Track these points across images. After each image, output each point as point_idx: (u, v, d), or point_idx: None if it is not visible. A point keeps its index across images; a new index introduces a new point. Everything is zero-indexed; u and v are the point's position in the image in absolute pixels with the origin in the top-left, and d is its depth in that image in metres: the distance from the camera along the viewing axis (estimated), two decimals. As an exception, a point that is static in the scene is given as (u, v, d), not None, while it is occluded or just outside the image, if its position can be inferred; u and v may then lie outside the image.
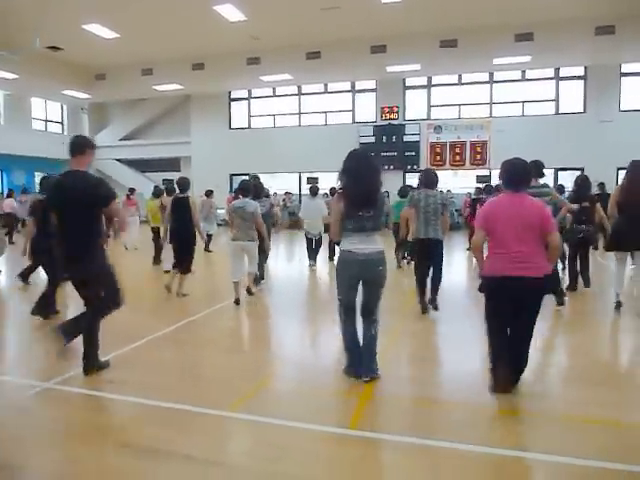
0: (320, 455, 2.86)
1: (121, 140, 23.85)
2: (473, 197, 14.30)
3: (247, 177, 10.42)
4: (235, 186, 15.01)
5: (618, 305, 6.01)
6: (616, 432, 3.09)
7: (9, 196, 15.82)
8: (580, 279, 7.30)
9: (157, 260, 9.98)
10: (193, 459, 2.78)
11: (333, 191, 9.17)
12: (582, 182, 7.19)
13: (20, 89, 19.65)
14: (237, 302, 6.53)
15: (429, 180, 5.99)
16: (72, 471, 2.73)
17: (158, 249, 9.98)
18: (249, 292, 6.98)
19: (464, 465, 2.74)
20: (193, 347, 5.00)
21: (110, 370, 4.11)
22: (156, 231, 10.14)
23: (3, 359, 4.76)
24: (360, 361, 3.81)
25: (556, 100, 18.43)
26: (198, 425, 3.21)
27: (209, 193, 13.21)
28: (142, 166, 23.55)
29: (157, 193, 10.33)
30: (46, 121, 22.84)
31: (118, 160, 23.68)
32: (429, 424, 3.23)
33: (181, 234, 6.97)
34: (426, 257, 5.99)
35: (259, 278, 7.60)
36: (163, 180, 19.05)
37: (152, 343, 4.95)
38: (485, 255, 3.65)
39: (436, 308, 5.99)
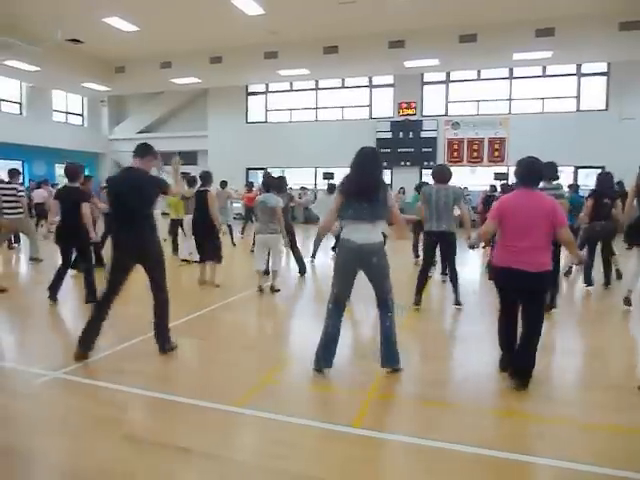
0: (323, 453, 2.86)
1: (139, 133, 24.06)
2: (487, 194, 14.19)
3: (266, 172, 10.83)
4: (251, 180, 15.09)
5: (627, 302, 5.96)
6: (622, 438, 3.04)
7: (39, 187, 16.02)
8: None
9: (175, 250, 10.37)
10: (193, 453, 2.80)
11: (332, 187, 9.38)
12: (603, 178, 7.11)
13: (41, 81, 19.91)
14: (260, 290, 6.93)
15: (441, 175, 6.03)
16: (74, 461, 2.78)
17: (175, 239, 10.50)
18: (272, 289, 7.06)
19: (468, 468, 2.71)
20: (203, 340, 5.04)
21: (119, 360, 4.18)
22: (177, 223, 10.39)
23: (16, 347, 4.86)
24: (328, 357, 3.91)
25: (577, 97, 18.09)
26: (202, 419, 3.23)
27: (224, 184, 13.28)
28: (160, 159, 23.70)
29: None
30: (67, 113, 23.14)
31: (136, 152, 23.90)
32: (434, 425, 3.20)
33: (202, 226, 7.26)
34: (434, 250, 6.13)
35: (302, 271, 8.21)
36: (180, 174, 19.17)
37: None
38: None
39: (458, 303, 6.04)
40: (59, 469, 2.74)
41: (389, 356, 3.89)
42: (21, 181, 10.73)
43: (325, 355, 3.88)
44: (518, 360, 3.73)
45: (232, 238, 12.17)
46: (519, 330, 3.78)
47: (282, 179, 7.97)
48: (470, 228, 6.10)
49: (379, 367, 4.06)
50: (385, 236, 6.28)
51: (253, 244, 10.33)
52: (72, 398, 3.48)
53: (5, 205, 7.98)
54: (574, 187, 10.21)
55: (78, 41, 17.16)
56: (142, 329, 5.00)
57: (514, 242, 3.63)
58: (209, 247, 7.33)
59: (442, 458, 2.80)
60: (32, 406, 3.37)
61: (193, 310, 5.95)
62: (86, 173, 8.48)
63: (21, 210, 8.36)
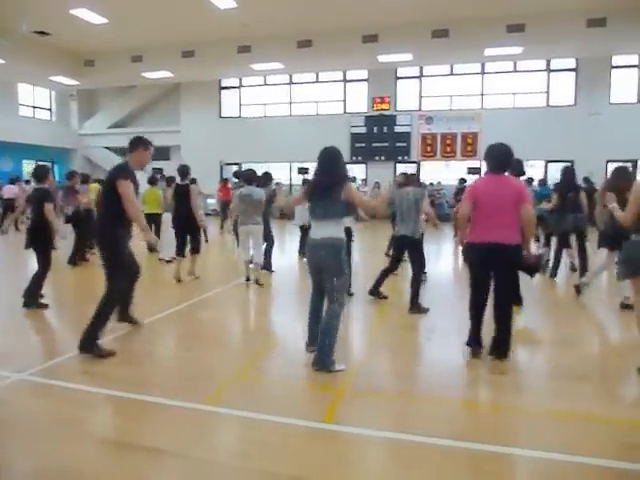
0: (296, 450, 2.84)
1: (110, 128, 23.59)
2: (458, 187, 14.54)
3: (238, 167, 10.80)
4: (226, 175, 14.90)
5: (578, 290, 6.37)
6: (594, 426, 3.11)
7: (12, 183, 15.51)
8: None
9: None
10: (163, 453, 2.75)
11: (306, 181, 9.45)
12: (565, 172, 7.52)
13: (7, 74, 19.30)
14: (247, 279, 7.24)
15: (403, 181, 6.48)
16: (40, 463, 2.70)
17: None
18: (257, 282, 7.20)
19: (442, 460, 2.73)
20: (174, 337, 4.98)
21: (86, 361, 4.08)
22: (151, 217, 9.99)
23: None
24: (309, 336, 4.22)
25: (547, 92, 18.44)
26: (172, 418, 3.18)
27: (192, 181, 13.10)
28: (131, 154, 23.26)
29: (152, 181, 10.48)
30: (34, 107, 22.52)
31: (107, 148, 23.46)
32: (405, 418, 3.22)
33: (184, 219, 7.34)
34: (399, 253, 6.22)
35: (269, 267, 8.19)
36: (153, 169, 18.88)
37: (132, 333, 4.91)
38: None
39: (413, 309, 5.76)
40: (22, 471, 2.67)
41: (318, 355, 3.88)
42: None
43: (308, 333, 4.25)
44: (497, 331, 4.12)
45: (206, 235, 12.00)
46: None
47: (267, 175, 8.37)
48: (435, 220, 6.61)
49: (351, 362, 4.08)
50: (351, 234, 6.34)
51: (237, 237, 10.44)
52: (37, 400, 3.39)
53: None
54: (543, 181, 10.70)
55: (45, 33, 16.70)
56: (113, 328, 4.91)
57: (486, 219, 4.04)
58: (192, 241, 7.46)
59: (416, 451, 2.81)
60: (-5, 409, 3.27)
61: (168, 306, 5.87)
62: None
63: None
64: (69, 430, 3.01)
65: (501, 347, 4.09)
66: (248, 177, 7.16)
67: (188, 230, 7.41)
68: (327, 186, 3.91)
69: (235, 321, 5.90)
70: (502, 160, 4.14)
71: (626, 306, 5.63)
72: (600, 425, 3.10)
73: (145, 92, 22.88)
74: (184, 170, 7.61)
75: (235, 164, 20.34)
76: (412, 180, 6.27)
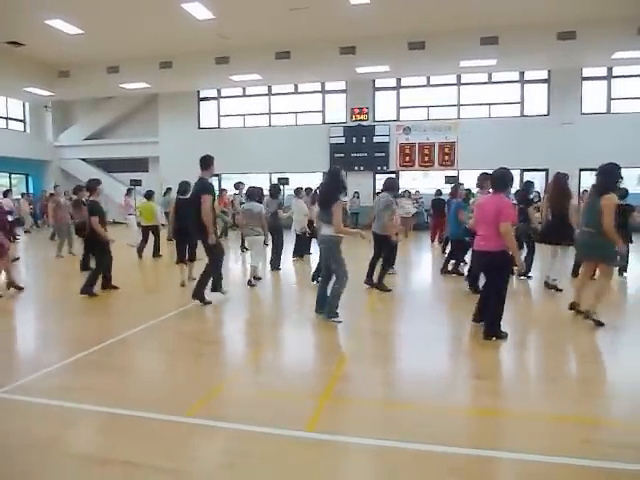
0: (276, 460, 2.82)
1: (86, 139, 23.27)
2: (434, 198, 14.72)
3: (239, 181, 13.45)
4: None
5: (547, 285, 7.44)
6: (574, 427, 3.15)
7: (5, 195, 15.97)
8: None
9: (157, 253, 11.49)
10: (141, 467, 2.71)
11: (298, 190, 10.75)
12: (522, 187, 8.76)
13: (-21, 86, 18.95)
14: (249, 283, 7.95)
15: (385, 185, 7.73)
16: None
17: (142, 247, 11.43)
18: (249, 284, 7.97)
19: (423, 466, 2.74)
20: (153, 350, 4.90)
21: (63, 376, 4.00)
22: (151, 229, 11.47)
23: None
24: (318, 304, 5.93)
25: (521, 103, 18.82)
26: (150, 431, 3.13)
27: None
28: (109, 166, 22.99)
29: (149, 195, 11.71)
30: (7, 119, 22.11)
31: (83, 160, 23.13)
32: (388, 425, 3.22)
33: (185, 230, 7.80)
34: (377, 247, 7.59)
35: (277, 268, 9.43)
36: (131, 180, 18.66)
37: (112, 346, 4.83)
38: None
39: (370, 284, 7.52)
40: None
41: (326, 307, 5.68)
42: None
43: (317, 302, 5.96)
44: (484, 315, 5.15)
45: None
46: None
47: (276, 187, 10.00)
48: (390, 226, 7.39)
49: (332, 370, 4.08)
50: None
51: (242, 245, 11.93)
52: (12, 419, 3.29)
53: None
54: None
55: (19, 44, 16.46)
56: (91, 341, 4.83)
57: (479, 230, 5.03)
58: (190, 249, 8.13)
59: (399, 458, 2.81)
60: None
61: (143, 320, 5.77)
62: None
63: None
64: (46, 449, 2.93)
65: (487, 329, 4.98)
66: (250, 194, 8.11)
67: (188, 240, 8.02)
68: (324, 200, 5.63)
69: (214, 332, 5.84)
70: (494, 182, 5.06)
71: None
72: (576, 425, 3.15)
73: (123, 103, 22.66)
74: (185, 186, 8.28)
75: (214, 175, 20.23)
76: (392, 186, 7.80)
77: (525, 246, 8.28)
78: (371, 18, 14.39)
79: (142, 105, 22.76)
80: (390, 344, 5.15)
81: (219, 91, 21.66)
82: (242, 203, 11.51)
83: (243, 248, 11.95)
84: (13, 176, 22.41)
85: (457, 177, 18.65)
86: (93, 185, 7.49)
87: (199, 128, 22.05)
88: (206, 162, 6.67)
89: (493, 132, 18.21)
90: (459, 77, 19.18)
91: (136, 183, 18.06)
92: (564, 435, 3.04)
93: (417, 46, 15.93)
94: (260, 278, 8.39)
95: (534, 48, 15.42)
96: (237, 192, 12.00)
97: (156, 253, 11.51)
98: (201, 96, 21.97)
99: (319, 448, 2.93)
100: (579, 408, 3.44)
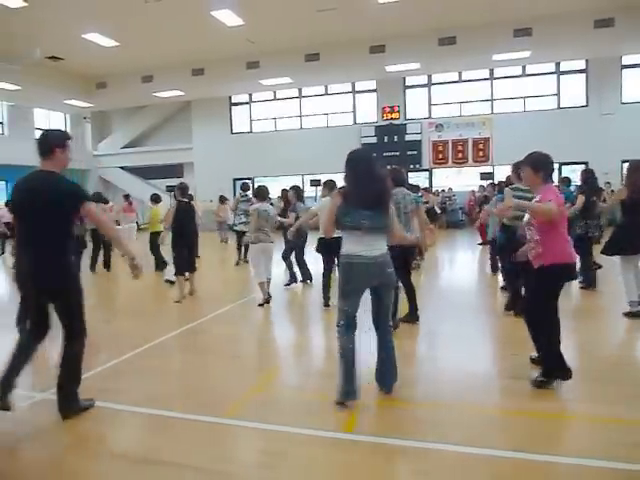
0: (316, 460, 2.83)
1: (124, 148, 23.98)
2: (483, 194, 14.25)
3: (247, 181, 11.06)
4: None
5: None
6: (621, 430, 3.04)
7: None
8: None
9: (162, 265, 9.91)
10: (183, 467, 2.76)
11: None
12: (589, 175, 7.07)
13: (23, 100, 19.77)
14: (267, 301, 6.76)
15: (397, 178, 5.43)
16: (65, 482, 2.73)
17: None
18: (268, 302, 6.92)
19: (464, 469, 2.70)
20: (191, 353, 4.99)
21: (106, 378, 4.13)
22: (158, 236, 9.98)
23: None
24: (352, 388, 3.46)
25: (557, 94, 18.33)
26: (191, 432, 3.18)
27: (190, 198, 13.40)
28: (145, 173, 23.63)
29: (156, 200, 10.40)
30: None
31: (121, 168, 23.82)
32: (426, 426, 3.18)
33: (187, 237, 7.32)
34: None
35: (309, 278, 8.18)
36: (166, 186, 19.12)
37: (151, 350, 4.95)
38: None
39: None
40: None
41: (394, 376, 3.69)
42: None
43: (349, 386, 3.43)
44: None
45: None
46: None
47: (298, 189, 8.45)
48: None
49: (371, 371, 4.05)
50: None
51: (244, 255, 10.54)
52: (59, 419, 3.41)
53: None
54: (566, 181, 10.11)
55: (58, 58, 17.10)
56: (130, 345, 4.96)
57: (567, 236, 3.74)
58: (191, 257, 7.45)
59: (438, 460, 2.78)
60: (20, 428, 3.30)
61: (181, 324, 5.90)
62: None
63: None
64: (91, 447, 3.03)
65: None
66: (261, 193, 7.04)
67: (190, 247, 7.47)
68: (375, 194, 3.53)
69: (248, 336, 5.89)
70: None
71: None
72: (627, 428, 3.03)
73: (157, 111, 23.25)
74: (183, 187, 7.59)
75: (247, 179, 20.50)
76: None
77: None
78: (400, 15, 14.28)
79: (176, 112, 23.29)
80: (432, 344, 5.09)
81: (250, 96, 21.94)
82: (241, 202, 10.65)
83: (243, 259, 10.78)
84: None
85: (492, 173, 18.33)
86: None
87: (232, 133, 22.39)
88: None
89: (529, 126, 17.77)
90: (492, 71, 18.82)
91: (172, 189, 18.47)
92: (611, 438, 2.93)
93: (448, 41, 15.71)
94: (271, 297, 6.93)
95: (570, 38, 14.99)
96: (244, 194, 10.83)
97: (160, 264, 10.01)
98: (233, 101, 22.31)
99: (357, 449, 2.92)
100: (630, 411, 3.30)
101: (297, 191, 8.44)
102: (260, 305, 6.72)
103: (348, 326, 3.47)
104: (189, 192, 7.91)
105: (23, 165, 21.72)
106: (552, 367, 3.65)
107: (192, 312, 6.68)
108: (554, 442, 2.96)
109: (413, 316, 5.56)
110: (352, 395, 3.40)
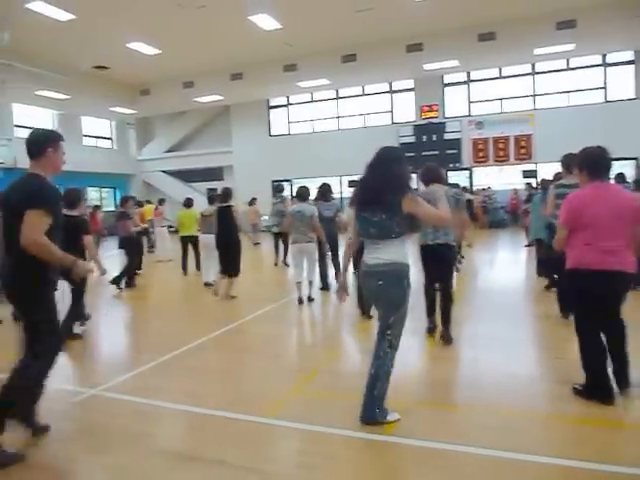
0: (355, 462, 2.84)
1: (166, 152, 24.64)
2: (531, 193, 13.81)
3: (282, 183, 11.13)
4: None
5: None
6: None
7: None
8: None
9: (185, 269, 10.30)
10: (226, 465, 2.82)
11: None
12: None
13: (72, 108, 20.60)
14: (300, 301, 6.92)
15: (433, 175, 5.19)
16: (114, 476, 2.84)
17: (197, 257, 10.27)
18: (309, 299, 7.09)
19: (504, 475, 2.65)
20: (232, 353, 5.09)
21: (150, 377, 4.27)
22: (186, 240, 10.20)
23: (57, 367, 4.99)
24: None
25: (604, 87, 17.65)
26: (234, 431, 3.25)
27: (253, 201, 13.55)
28: (186, 176, 24.20)
29: (188, 203, 10.45)
30: (96, 137, 23.87)
31: (164, 172, 24.49)
32: (466, 430, 3.14)
33: (227, 240, 7.44)
34: (431, 268, 5.01)
35: (326, 283, 7.89)
36: (207, 189, 19.52)
37: (192, 350, 5.08)
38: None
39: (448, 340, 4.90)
40: (98, 485, 2.82)
41: (366, 408, 3.16)
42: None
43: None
44: (615, 366, 3.39)
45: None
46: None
47: (326, 186, 7.91)
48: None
49: (411, 373, 4.03)
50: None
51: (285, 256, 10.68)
52: (110, 415, 3.55)
53: None
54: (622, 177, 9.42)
55: (104, 67, 17.78)
56: (173, 345, 5.11)
57: (597, 240, 3.24)
58: (233, 262, 7.48)
59: (478, 465, 2.74)
60: (67, 423, 3.46)
61: (221, 325, 6.02)
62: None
63: None
64: (137, 443, 3.14)
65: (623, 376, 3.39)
66: (301, 194, 7.09)
67: (229, 251, 7.47)
68: (380, 195, 3.17)
69: (288, 336, 5.95)
70: (604, 166, 3.44)
71: None
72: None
73: (198, 116, 23.79)
74: (227, 192, 7.73)
75: (286, 180, 20.70)
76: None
77: None
78: (437, 12, 14.11)
79: (216, 116, 23.76)
80: (469, 346, 5.01)
81: (288, 98, 22.13)
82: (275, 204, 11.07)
83: (283, 260, 10.95)
84: (103, 190, 24.12)
85: (535, 171, 17.85)
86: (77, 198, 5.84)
87: (270, 135, 22.65)
88: None
89: (573, 121, 17.16)
90: (533, 66, 18.30)
91: (212, 192, 18.84)
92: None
93: (487, 37, 15.40)
94: (313, 299, 7.15)
95: (616, 28, 14.40)
96: (279, 195, 11.10)
97: (199, 266, 10.15)
98: (271, 104, 22.56)
99: (396, 452, 2.91)
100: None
101: (322, 189, 7.96)
102: (300, 303, 6.89)
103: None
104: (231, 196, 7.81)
105: (72, 171, 22.68)
106: (590, 384, 3.38)
107: (232, 313, 6.82)
108: (602, 450, 2.86)
109: (443, 332, 4.94)
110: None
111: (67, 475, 2.85)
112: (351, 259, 3.53)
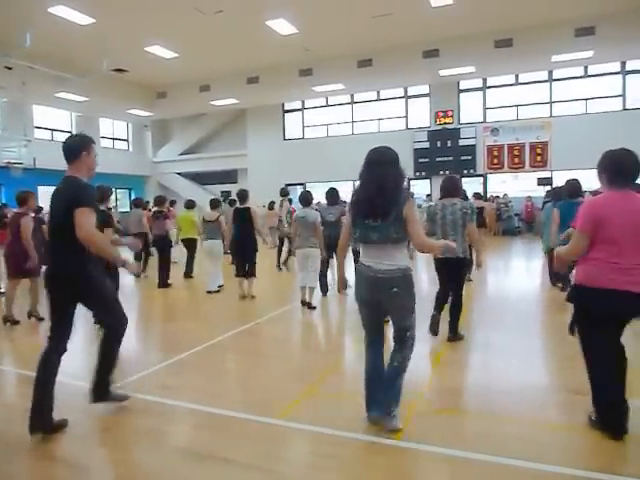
0: (364, 465, 2.85)
1: (181, 154, 24.87)
2: (546, 200, 13.71)
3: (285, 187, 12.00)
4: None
5: None
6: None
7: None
8: None
9: (188, 271, 10.00)
10: (236, 464, 2.85)
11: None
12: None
13: (90, 110, 20.91)
14: (303, 304, 6.97)
15: (449, 187, 5.21)
16: (125, 472, 2.89)
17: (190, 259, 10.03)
18: (309, 306, 6.94)
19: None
20: (245, 354, 5.13)
21: (164, 375, 4.32)
22: (188, 243, 9.84)
23: (71, 365, 5.07)
24: (370, 403, 3.24)
25: (623, 95, 17.46)
26: (244, 431, 3.28)
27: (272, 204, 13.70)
28: (201, 179, 24.41)
29: (189, 205, 9.99)
30: (113, 139, 24.18)
31: (179, 174, 24.71)
32: (478, 437, 3.12)
33: (244, 241, 7.59)
34: (446, 280, 5.22)
35: (325, 288, 7.72)
36: (221, 192, 19.69)
37: (207, 350, 5.13)
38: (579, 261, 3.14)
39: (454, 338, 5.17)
40: (106, 478, 2.88)
41: (387, 409, 3.13)
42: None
43: (367, 399, 3.28)
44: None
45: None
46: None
47: (334, 191, 7.64)
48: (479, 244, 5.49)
49: (422, 379, 4.02)
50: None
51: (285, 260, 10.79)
52: (121, 412, 3.60)
53: None
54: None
55: (123, 70, 18.04)
56: (188, 345, 5.16)
57: (621, 258, 2.88)
58: (250, 262, 7.64)
59: (491, 473, 2.73)
60: (84, 419, 3.51)
61: (236, 325, 6.07)
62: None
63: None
64: (150, 440, 3.19)
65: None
66: (304, 199, 7.00)
67: (246, 253, 7.60)
68: (381, 201, 3.09)
69: (302, 338, 5.98)
70: (629, 172, 2.99)
71: None
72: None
73: (213, 119, 23.99)
74: (244, 194, 7.84)
75: (299, 184, 20.77)
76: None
77: None
78: (454, 19, 14.10)
79: (231, 120, 23.94)
80: (481, 354, 4.99)
81: (303, 102, 22.23)
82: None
83: (282, 263, 11.06)
84: (118, 191, 24.43)
85: (550, 178, 17.70)
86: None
87: (284, 139, 22.75)
88: None
89: (591, 129, 16.98)
90: (551, 73, 18.18)
91: (226, 194, 19.00)
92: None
93: (504, 44, 15.35)
94: (315, 307, 6.97)
95: (636, 35, 14.24)
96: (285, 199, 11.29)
97: (191, 270, 9.95)
98: (286, 108, 22.67)
99: (406, 457, 2.91)
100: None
101: (328, 194, 7.68)
102: (303, 306, 6.95)
103: (368, 342, 3.30)
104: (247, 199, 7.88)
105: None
106: (598, 411, 3.09)
107: (247, 314, 6.87)
108: (614, 461, 2.83)
109: (450, 333, 5.17)
110: (369, 409, 3.25)
111: (82, 469, 2.90)
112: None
